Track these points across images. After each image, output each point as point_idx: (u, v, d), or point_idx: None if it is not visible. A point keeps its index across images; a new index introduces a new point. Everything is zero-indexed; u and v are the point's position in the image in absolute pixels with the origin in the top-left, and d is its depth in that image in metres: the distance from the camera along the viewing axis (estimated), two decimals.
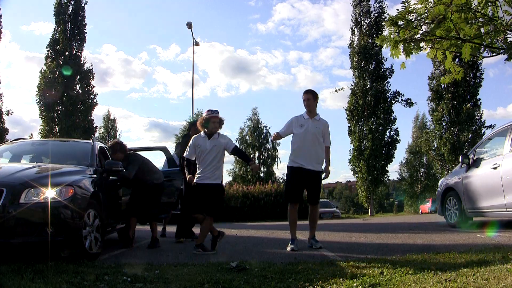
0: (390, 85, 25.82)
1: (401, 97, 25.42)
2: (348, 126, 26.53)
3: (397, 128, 26.14)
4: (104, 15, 71.24)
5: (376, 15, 25.94)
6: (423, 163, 42.20)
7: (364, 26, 26.06)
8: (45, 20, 71.29)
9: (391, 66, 25.54)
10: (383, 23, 25.26)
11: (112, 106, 71.48)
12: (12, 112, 21.88)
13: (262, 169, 38.31)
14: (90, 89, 24.20)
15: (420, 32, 4.10)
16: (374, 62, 25.66)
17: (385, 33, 4.25)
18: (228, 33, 77.74)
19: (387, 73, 25.51)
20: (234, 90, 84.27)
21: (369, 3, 26.06)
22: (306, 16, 77.20)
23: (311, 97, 5.03)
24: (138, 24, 78.89)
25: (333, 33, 78.69)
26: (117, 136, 40.94)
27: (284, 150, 54.03)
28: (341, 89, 25.59)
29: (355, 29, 26.43)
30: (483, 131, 23.47)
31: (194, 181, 4.79)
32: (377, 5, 26.09)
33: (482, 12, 3.97)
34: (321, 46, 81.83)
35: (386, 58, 25.50)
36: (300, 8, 77.20)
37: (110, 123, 41.04)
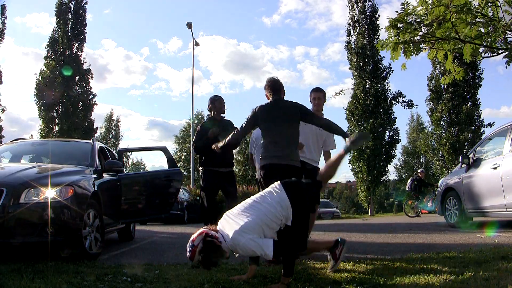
0: (389, 84, 25.76)
1: (402, 98, 25.37)
2: (348, 126, 26.50)
3: (398, 128, 26.15)
4: (102, 7, 70.51)
5: (369, 14, 25.90)
6: (421, 163, 42.14)
7: (361, 26, 26.03)
8: (39, 11, 70.24)
9: (389, 65, 25.48)
10: (377, 22, 25.42)
11: (111, 104, 70.93)
12: (6, 108, 21.87)
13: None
14: (89, 89, 24.17)
15: (420, 33, 4.10)
16: (372, 63, 25.63)
17: (384, 34, 4.26)
18: (231, 26, 77.45)
19: (384, 73, 25.47)
20: (238, 87, 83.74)
21: (365, 3, 26.02)
22: (314, 8, 76.90)
23: (322, 96, 4.52)
24: (138, 17, 78.48)
25: (341, 26, 78.54)
26: (119, 137, 40.74)
27: None
28: (341, 91, 25.54)
29: (351, 29, 26.41)
30: (482, 130, 23.48)
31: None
32: (370, 3, 26.08)
33: (482, 12, 3.97)
34: (329, 40, 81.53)
35: (384, 57, 25.47)
36: (308, 0, 76.86)
37: (112, 123, 40.37)
